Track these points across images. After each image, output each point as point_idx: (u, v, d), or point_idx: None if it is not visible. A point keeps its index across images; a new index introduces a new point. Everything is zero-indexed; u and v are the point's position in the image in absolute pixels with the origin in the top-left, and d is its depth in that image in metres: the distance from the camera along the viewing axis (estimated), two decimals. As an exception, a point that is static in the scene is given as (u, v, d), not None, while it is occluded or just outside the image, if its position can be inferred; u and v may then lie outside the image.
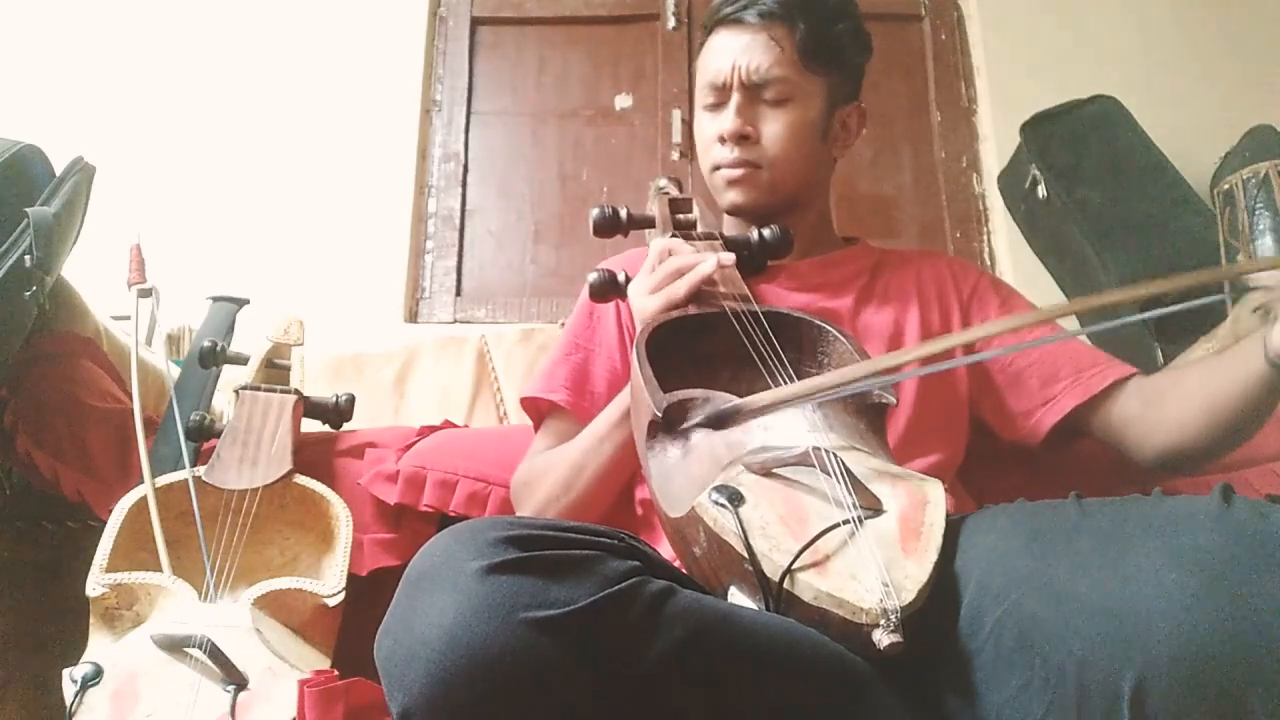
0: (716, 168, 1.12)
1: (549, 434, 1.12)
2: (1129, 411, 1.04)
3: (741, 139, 1.09)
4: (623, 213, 1.11)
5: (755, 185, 1.10)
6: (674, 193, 1.17)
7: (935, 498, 0.76)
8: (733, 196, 1.12)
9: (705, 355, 0.95)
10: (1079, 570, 0.63)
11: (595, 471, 1.02)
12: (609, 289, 1.06)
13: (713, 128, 1.12)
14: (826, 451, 0.73)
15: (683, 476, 0.78)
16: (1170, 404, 1.01)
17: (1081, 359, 1.09)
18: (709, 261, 0.97)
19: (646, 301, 0.98)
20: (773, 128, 1.09)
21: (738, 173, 1.10)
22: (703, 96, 1.13)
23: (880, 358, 0.84)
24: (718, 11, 1.12)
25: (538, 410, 1.15)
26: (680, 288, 0.97)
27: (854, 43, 1.14)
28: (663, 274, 0.99)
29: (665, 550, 0.85)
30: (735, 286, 1.01)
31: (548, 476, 1.05)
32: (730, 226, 1.17)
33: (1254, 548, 0.58)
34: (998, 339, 1.11)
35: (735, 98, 1.09)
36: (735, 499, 0.70)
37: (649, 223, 1.13)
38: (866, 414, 0.86)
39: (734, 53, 1.09)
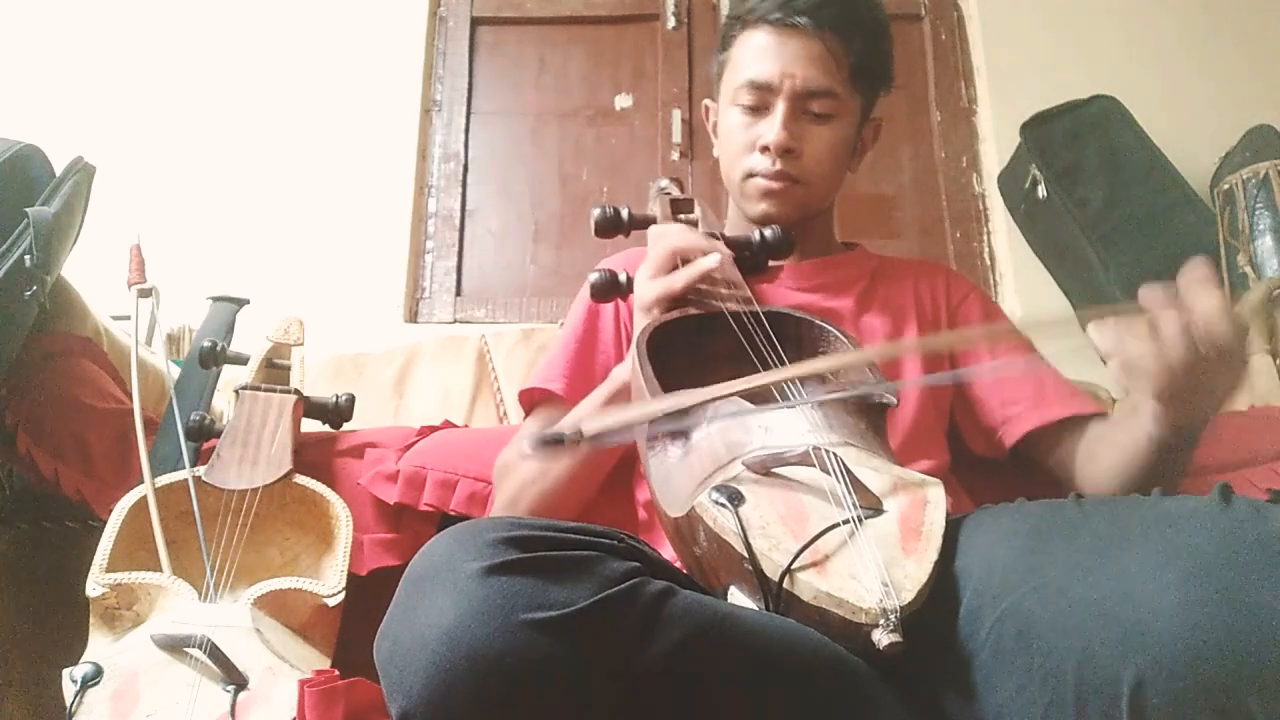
0: (751, 175, 1.09)
1: (539, 421, 1.12)
2: (1081, 451, 1.03)
3: (786, 152, 1.07)
4: (624, 213, 1.10)
5: (791, 200, 1.09)
6: (675, 193, 1.17)
7: (935, 498, 0.76)
8: (765, 208, 1.10)
9: (705, 355, 0.95)
10: (1078, 570, 0.63)
11: (572, 462, 1.01)
12: (610, 289, 1.06)
13: (750, 133, 1.09)
14: (827, 451, 0.74)
15: (683, 476, 0.78)
16: (1099, 455, 0.99)
17: (1047, 385, 1.08)
18: (711, 257, 0.97)
19: (646, 288, 0.98)
20: (816, 145, 1.08)
21: (776, 185, 1.08)
22: (739, 94, 1.09)
23: (869, 348, 0.83)
24: (765, 9, 1.07)
25: (532, 400, 1.15)
26: (678, 280, 0.96)
27: (890, 62, 1.14)
28: (665, 254, 0.98)
29: (667, 552, 0.85)
30: (737, 286, 1.01)
31: (526, 462, 1.04)
32: (733, 226, 1.17)
33: (1253, 547, 0.58)
34: (975, 355, 1.11)
35: (782, 107, 1.06)
36: (735, 499, 0.70)
37: (650, 223, 1.12)
38: (867, 414, 0.86)
39: (785, 58, 1.06)
